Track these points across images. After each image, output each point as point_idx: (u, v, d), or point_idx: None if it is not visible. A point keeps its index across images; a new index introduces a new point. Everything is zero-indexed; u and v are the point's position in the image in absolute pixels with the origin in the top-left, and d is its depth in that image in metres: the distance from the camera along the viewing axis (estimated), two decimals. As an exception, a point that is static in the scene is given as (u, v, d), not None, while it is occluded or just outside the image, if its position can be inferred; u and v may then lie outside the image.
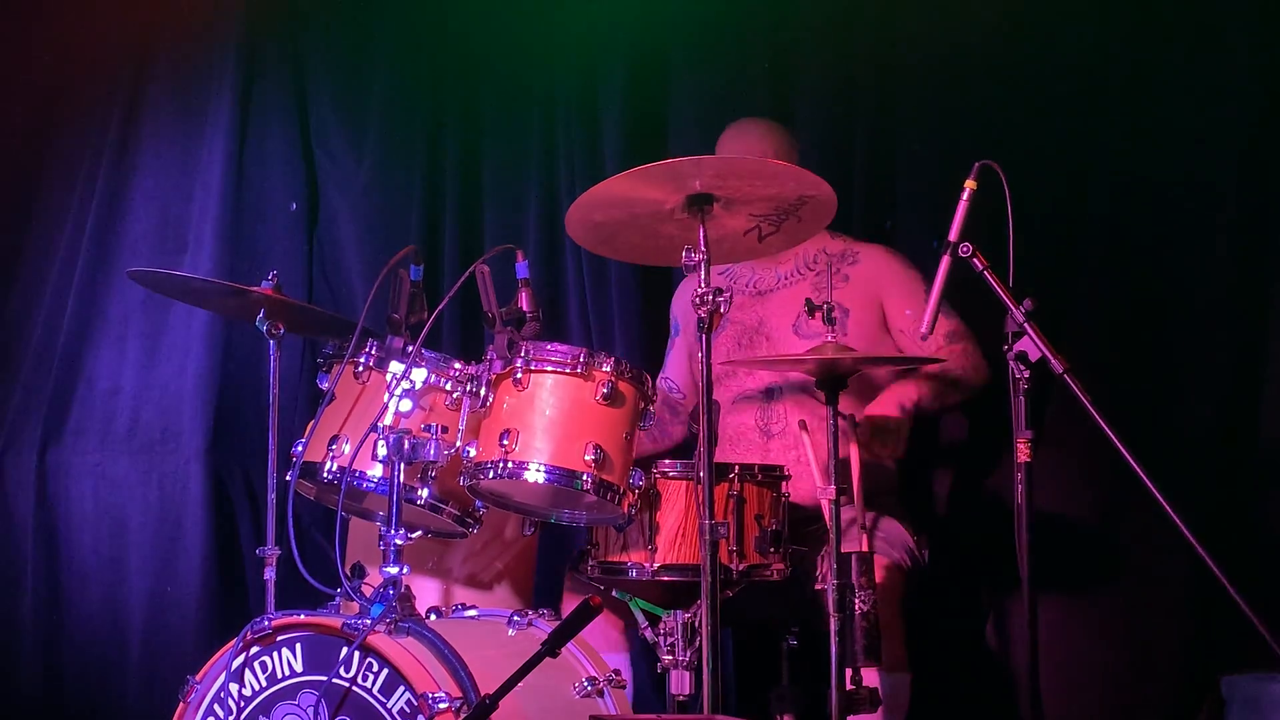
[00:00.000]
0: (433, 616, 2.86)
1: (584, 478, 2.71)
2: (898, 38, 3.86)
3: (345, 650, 2.59)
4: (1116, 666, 3.52)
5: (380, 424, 2.76)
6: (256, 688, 2.70)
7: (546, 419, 2.75)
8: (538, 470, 2.72)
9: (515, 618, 2.88)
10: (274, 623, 2.69)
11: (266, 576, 3.00)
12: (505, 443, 2.72)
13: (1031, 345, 2.67)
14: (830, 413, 2.87)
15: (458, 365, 2.85)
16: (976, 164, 2.78)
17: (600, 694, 2.82)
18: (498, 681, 2.49)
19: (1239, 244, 3.53)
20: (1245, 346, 3.51)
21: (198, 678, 2.74)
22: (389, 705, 2.56)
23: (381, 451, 2.74)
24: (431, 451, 2.75)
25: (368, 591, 2.72)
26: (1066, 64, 3.68)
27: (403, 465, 2.73)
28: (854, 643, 2.80)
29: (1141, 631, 3.51)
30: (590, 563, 2.92)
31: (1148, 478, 2.57)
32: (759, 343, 3.46)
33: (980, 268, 2.74)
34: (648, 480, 2.81)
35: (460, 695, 2.54)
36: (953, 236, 2.76)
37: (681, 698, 2.83)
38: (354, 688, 2.59)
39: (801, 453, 3.19)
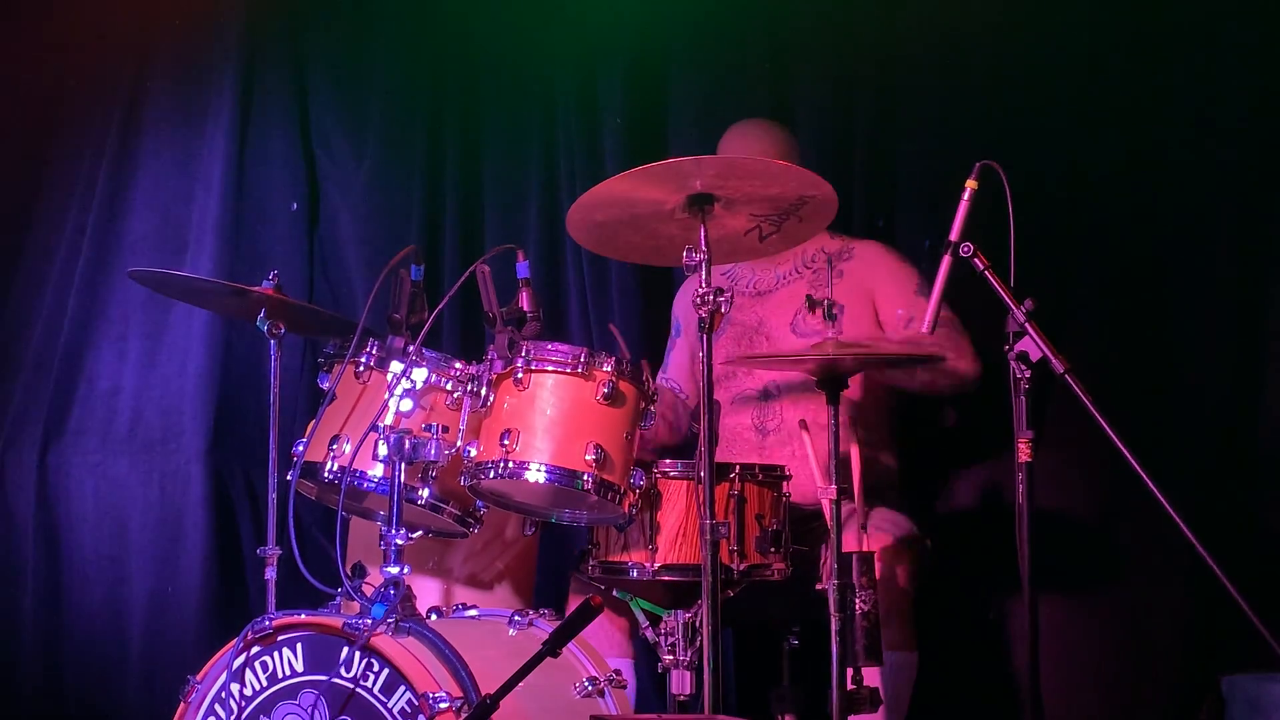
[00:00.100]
0: (433, 616, 2.86)
1: (585, 477, 2.71)
2: (898, 37, 3.86)
3: (346, 650, 2.59)
4: (1117, 666, 3.52)
5: (381, 424, 2.76)
6: (257, 687, 2.70)
7: (547, 419, 2.75)
8: (538, 470, 2.72)
9: (516, 618, 2.88)
10: (275, 622, 2.69)
11: (267, 576, 3.00)
12: (506, 442, 2.72)
13: (1032, 345, 2.67)
14: (830, 412, 2.87)
15: (458, 365, 2.85)
16: (977, 164, 2.79)
17: (601, 694, 2.82)
18: (498, 681, 2.49)
19: (1239, 244, 3.54)
20: (1245, 347, 3.51)
21: (198, 677, 2.74)
22: (390, 705, 2.57)
23: (382, 451, 2.74)
24: (432, 451, 2.75)
25: (368, 591, 2.72)
26: (1067, 63, 3.68)
27: (403, 465, 2.73)
28: (855, 642, 2.80)
29: (1142, 631, 3.51)
30: (591, 563, 2.93)
31: (1148, 477, 2.57)
32: (759, 343, 3.47)
33: (981, 267, 2.74)
34: (648, 480, 2.82)
35: (461, 695, 2.54)
36: (954, 236, 2.77)
37: (682, 698, 2.83)
38: (355, 688, 2.59)
39: (798, 450, 3.20)
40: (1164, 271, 3.58)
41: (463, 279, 2.88)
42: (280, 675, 2.68)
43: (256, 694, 2.70)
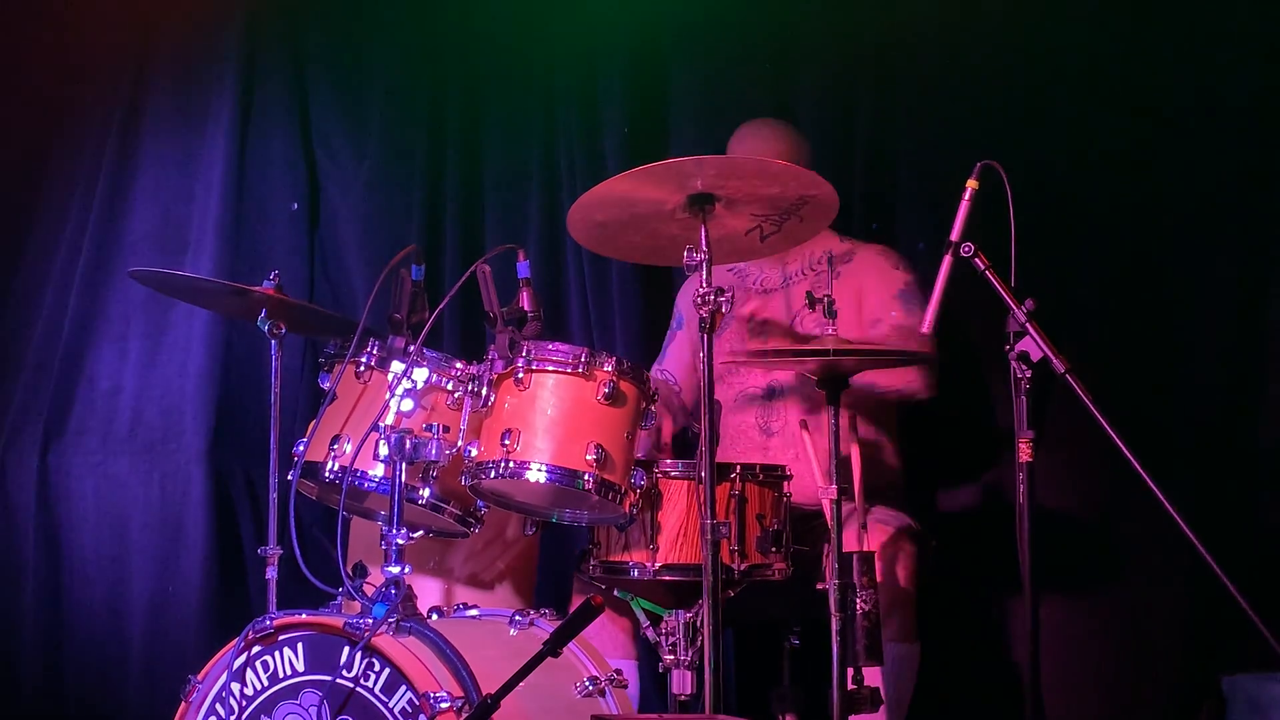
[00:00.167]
0: (434, 616, 2.86)
1: (585, 477, 2.72)
2: (898, 36, 3.86)
3: (348, 650, 2.59)
4: (1117, 665, 3.52)
5: (382, 423, 2.76)
6: (258, 687, 2.70)
7: (548, 418, 2.75)
8: (539, 470, 2.72)
9: (517, 617, 2.88)
10: (276, 622, 2.69)
11: (268, 576, 3.00)
12: (507, 442, 2.72)
13: (1033, 345, 2.67)
14: (831, 412, 2.87)
15: (459, 365, 2.86)
16: (978, 163, 2.79)
17: (602, 693, 2.82)
18: (499, 681, 2.49)
19: (1240, 243, 3.54)
20: (1246, 346, 3.51)
21: (199, 677, 2.74)
22: (391, 705, 2.57)
23: (383, 451, 2.74)
24: (433, 451, 2.75)
25: (369, 591, 2.72)
26: (1067, 63, 3.68)
27: (404, 465, 2.73)
28: (855, 642, 2.80)
29: (1143, 631, 3.51)
30: (592, 562, 2.93)
31: (1149, 477, 2.57)
32: (762, 341, 3.47)
33: (982, 267, 2.74)
34: (649, 480, 2.82)
35: (462, 695, 2.54)
36: (954, 236, 2.77)
37: (683, 697, 2.83)
38: (356, 687, 2.59)
39: (802, 452, 3.20)
40: (1164, 271, 3.58)
41: (464, 279, 2.88)
42: (281, 675, 2.68)
43: (257, 693, 2.70)
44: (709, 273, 2.73)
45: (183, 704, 2.75)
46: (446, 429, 2.78)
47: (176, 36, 4.40)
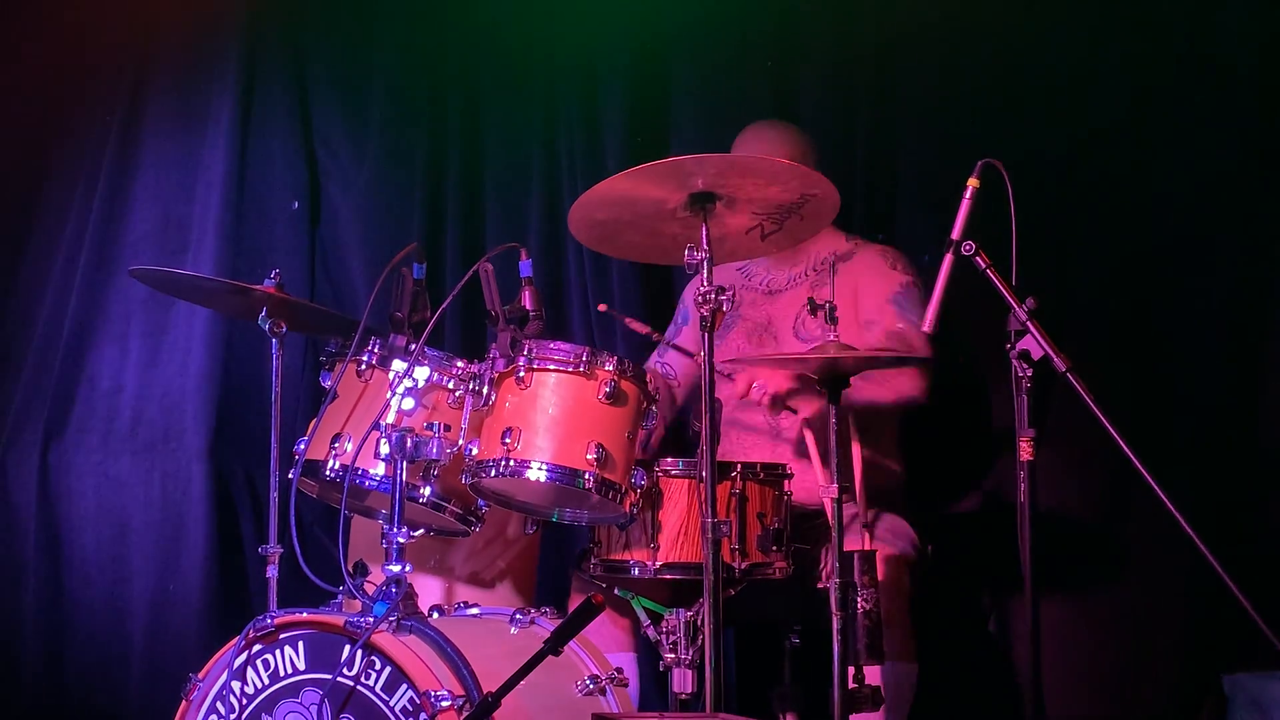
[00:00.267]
0: (435, 615, 2.86)
1: (586, 476, 2.72)
2: (900, 35, 3.86)
3: (348, 649, 2.59)
4: (1119, 665, 3.52)
5: (383, 422, 2.76)
6: (259, 685, 2.70)
7: (549, 418, 2.75)
8: (540, 469, 2.72)
9: (517, 616, 2.88)
10: (276, 621, 2.69)
11: (269, 574, 3.00)
12: (508, 441, 2.72)
13: (1034, 344, 2.67)
14: (832, 411, 2.87)
15: (460, 363, 2.86)
16: (979, 162, 2.79)
17: (603, 692, 2.82)
18: (500, 680, 2.49)
19: (1240, 243, 3.54)
20: (1247, 346, 3.51)
21: (200, 676, 2.75)
22: (391, 703, 2.57)
23: (384, 449, 2.74)
24: (434, 450, 2.75)
25: (370, 590, 2.72)
26: (1068, 62, 3.68)
27: (405, 463, 2.73)
28: (856, 641, 2.80)
29: (1144, 630, 3.51)
30: (593, 561, 2.93)
31: (1150, 475, 2.57)
32: (766, 341, 3.47)
33: (983, 266, 2.74)
34: (650, 479, 2.82)
35: (463, 693, 2.54)
36: (955, 234, 2.76)
37: (684, 696, 2.83)
38: (357, 686, 2.59)
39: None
40: (1166, 270, 3.58)
41: (465, 278, 2.88)
42: (282, 673, 2.68)
43: (258, 692, 2.70)
44: (710, 271, 2.73)
45: (184, 702, 2.75)
46: (448, 427, 2.78)
47: (177, 35, 4.39)
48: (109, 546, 4.19)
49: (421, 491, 2.81)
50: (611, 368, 2.77)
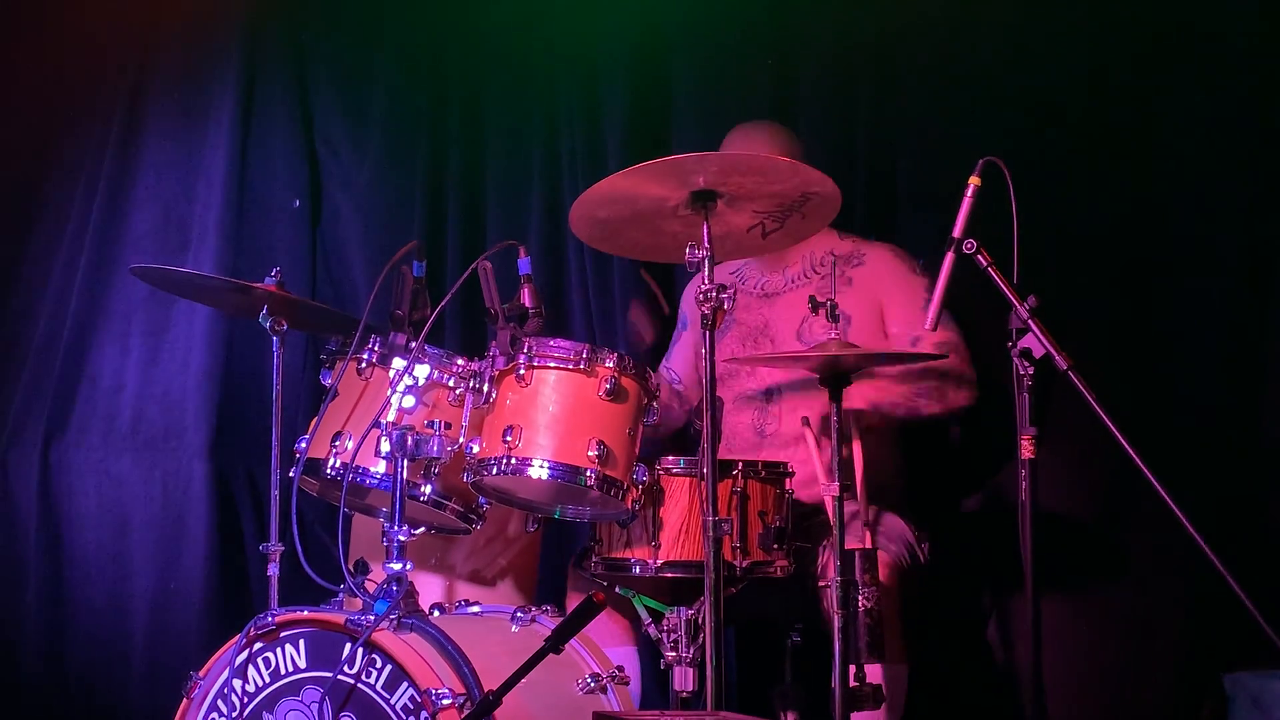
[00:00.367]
0: (436, 613, 2.86)
1: (587, 474, 2.72)
2: (900, 33, 3.85)
3: (349, 647, 2.59)
4: (1119, 663, 3.51)
5: (383, 420, 2.76)
6: (260, 684, 2.70)
7: (550, 415, 2.75)
8: (541, 466, 2.72)
9: (519, 614, 2.88)
10: (277, 619, 2.69)
11: (270, 573, 3.01)
12: (509, 439, 2.72)
13: (1035, 342, 2.67)
14: (833, 410, 2.87)
15: (461, 361, 2.86)
16: (981, 160, 2.78)
17: (604, 690, 2.83)
18: (501, 678, 2.49)
19: (1242, 241, 3.53)
20: (1249, 344, 3.50)
21: (201, 674, 2.75)
22: (392, 701, 2.57)
23: (385, 448, 2.74)
24: (435, 448, 2.75)
25: (371, 588, 2.72)
26: (1070, 59, 3.67)
27: (406, 461, 2.73)
28: (857, 639, 2.80)
29: (1144, 628, 3.50)
30: (594, 559, 2.93)
31: (1151, 473, 2.57)
32: (763, 344, 3.47)
33: (984, 264, 2.74)
34: (651, 476, 2.82)
35: (464, 691, 2.54)
36: (957, 233, 2.76)
37: (685, 694, 2.83)
38: (358, 684, 2.59)
39: (795, 455, 3.20)
40: (1168, 268, 3.58)
41: (465, 275, 2.88)
42: (283, 671, 2.68)
43: (259, 690, 2.70)
44: (711, 269, 2.73)
45: (185, 700, 2.75)
46: (448, 425, 2.78)
47: (178, 34, 4.40)
48: (110, 545, 4.19)
49: (422, 489, 2.81)
50: (612, 364, 2.77)
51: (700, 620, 2.75)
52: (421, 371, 2.80)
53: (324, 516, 3.62)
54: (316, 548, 3.00)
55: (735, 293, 2.76)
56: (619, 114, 4.08)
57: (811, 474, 3.04)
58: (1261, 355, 3.49)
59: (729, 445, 3.40)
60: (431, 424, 2.77)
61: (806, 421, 3.12)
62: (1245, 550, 3.07)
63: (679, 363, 3.68)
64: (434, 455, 2.75)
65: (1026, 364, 2.68)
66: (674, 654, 2.85)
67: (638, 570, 2.85)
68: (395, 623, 2.63)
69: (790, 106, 3.95)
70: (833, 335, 2.89)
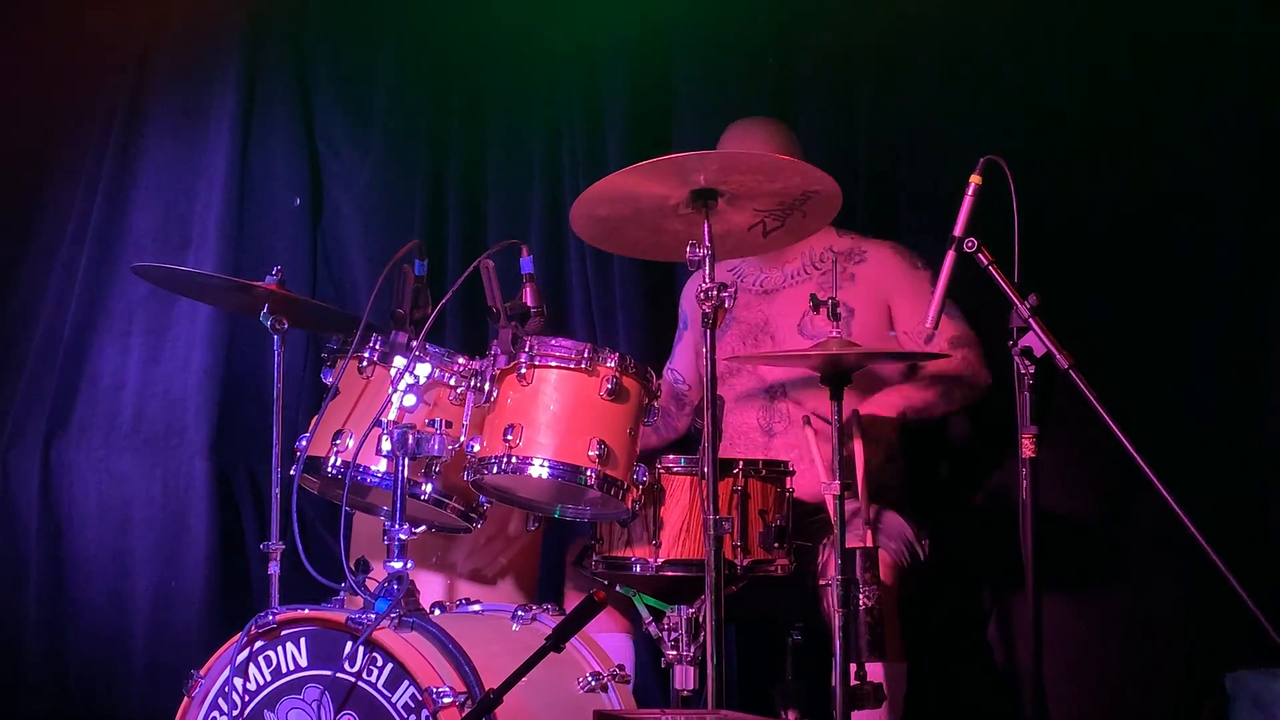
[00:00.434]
0: (437, 611, 2.86)
1: (588, 473, 2.71)
2: (901, 31, 3.86)
3: (350, 645, 2.59)
4: (1120, 662, 3.51)
5: (384, 419, 2.76)
6: (261, 682, 2.70)
7: (551, 414, 2.75)
8: (542, 465, 2.72)
9: (519, 613, 2.88)
10: (278, 617, 2.69)
11: (270, 571, 3.01)
12: (509, 438, 2.72)
13: (1036, 341, 2.67)
14: (835, 408, 2.87)
15: (462, 360, 2.85)
16: (982, 159, 2.78)
17: (604, 689, 2.83)
18: (502, 676, 2.49)
19: (1245, 240, 3.53)
20: (1250, 343, 3.51)
21: (202, 672, 2.75)
22: (393, 700, 2.57)
23: (386, 446, 2.74)
24: (435, 446, 2.75)
25: (372, 586, 2.72)
26: (1071, 58, 3.67)
27: (407, 460, 2.73)
28: (858, 638, 2.80)
29: (1146, 627, 3.50)
30: (594, 558, 2.93)
31: (1152, 472, 2.57)
32: (764, 342, 3.46)
33: (985, 263, 2.74)
34: (652, 476, 2.82)
35: (464, 690, 2.54)
36: (958, 231, 2.76)
37: (685, 693, 2.83)
38: (358, 682, 2.59)
39: (804, 450, 3.20)
40: (1169, 266, 3.58)
41: (466, 274, 2.88)
42: (284, 670, 2.68)
43: (260, 688, 2.70)
44: (712, 268, 2.72)
45: (185, 699, 2.75)
46: (449, 424, 2.78)
47: (179, 33, 4.39)
48: (111, 543, 4.19)
49: (423, 488, 2.81)
50: (613, 364, 2.77)
51: (701, 619, 2.75)
52: (423, 370, 2.80)
53: (325, 515, 3.61)
54: (317, 546, 3.00)
55: (736, 291, 2.76)
56: (620, 112, 4.08)
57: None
58: (1263, 354, 3.49)
59: (735, 444, 3.40)
60: (432, 422, 2.76)
61: (808, 420, 3.12)
62: (1247, 549, 3.07)
63: (682, 363, 3.69)
64: (435, 454, 2.75)
65: (1027, 363, 2.67)
66: (675, 653, 2.85)
67: (638, 569, 2.85)
68: (396, 621, 2.63)
69: (791, 105, 3.95)
70: (834, 333, 2.88)
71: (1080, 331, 3.41)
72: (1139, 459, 2.58)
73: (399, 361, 2.80)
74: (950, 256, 2.76)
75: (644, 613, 2.93)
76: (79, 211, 4.36)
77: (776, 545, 2.88)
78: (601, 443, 2.72)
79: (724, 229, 2.87)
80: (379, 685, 2.58)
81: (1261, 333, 3.50)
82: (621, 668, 2.89)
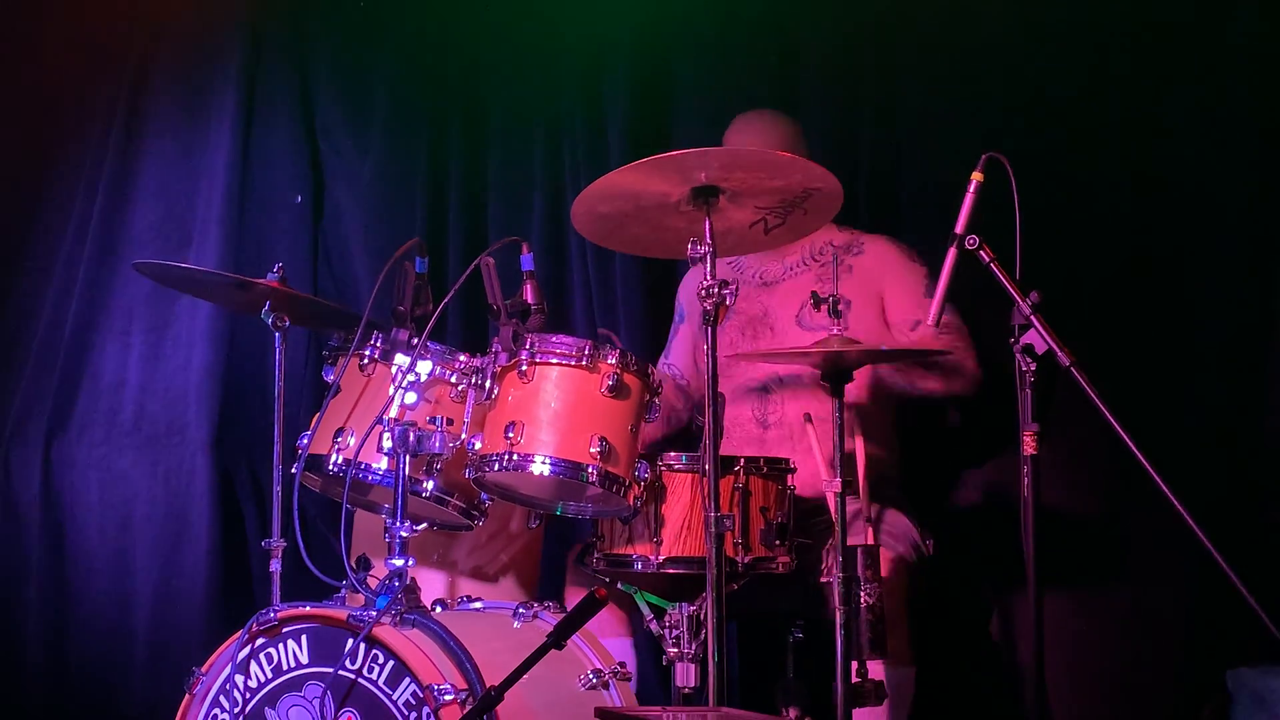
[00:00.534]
0: (438, 609, 2.86)
1: (589, 470, 2.71)
2: (903, 29, 3.85)
3: (351, 642, 2.59)
4: (1121, 660, 3.51)
5: (385, 416, 2.76)
6: (262, 679, 2.70)
7: (552, 411, 2.75)
8: (543, 463, 2.72)
9: (520, 610, 2.88)
10: (280, 614, 2.69)
11: (272, 568, 3.01)
12: (511, 435, 2.72)
13: (1038, 338, 2.67)
14: (835, 405, 2.87)
15: (463, 357, 2.85)
16: (983, 156, 2.78)
17: (605, 686, 2.83)
18: (503, 673, 2.49)
19: (1247, 237, 3.53)
20: (1252, 339, 3.50)
21: (203, 669, 2.75)
22: (394, 697, 2.57)
23: (387, 444, 2.74)
24: (437, 444, 2.75)
25: (373, 584, 2.72)
26: (1073, 55, 3.67)
27: (408, 457, 2.73)
28: (859, 635, 2.80)
29: (1147, 625, 3.50)
30: (596, 555, 2.93)
31: (1154, 470, 2.57)
32: (763, 333, 3.47)
33: (987, 260, 2.74)
34: (653, 473, 2.82)
35: (466, 687, 2.54)
36: (959, 229, 2.76)
37: (686, 690, 2.83)
38: (360, 679, 2.59)
39: (800, 445, 3.20)
40: (1171, 264, 3.57)
41: (468, 271, 2.88)
42: (285, 667, 2.68)
43: (261, 685, 2.70)
44: (713, 265, 2.72)
45: (186, 696, 2.75)
46: (450, 422, 2.78)
47: (180, 29, 4.39)
48: (112, 541, 4.19)
49: (424, 486, 2.81)
50: (614, 361, 2.77)
51: (702, 616, 2.75)
52: (424, 368, 2.80)
53: (326, 512, 3.61)
54: (319, 543, 3.01)
55: (737, 287, 2.75)
56: (621, 109, 4.08)
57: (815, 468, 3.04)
58: (1263, 352, 3.49)
59: (731, 437, 3.40)
60: (434, 420, 2.76)
61: (809, 418, 3.12)
62: (1248, 547, 3.07)
63: (678, 356, 3.68)
64: (436, 451, 2.75)
65: (1029, 360, 2.67)
66: (676, 650, 2.85)
67: (640, 566, 2.85)
68: (397, 618, 2.63)
69: (792, 102, 3.94)
70: (835, 330, 2.88)
71: (1081, 329, 3.41)
72: (1140, 456, 2.58)
73: (400, 359, 2.80)
74: (952, 253, 2.76)
75: (645, 610, 2.93)
76: (80, 210, 4.36)
77: (778, 542, 2.88)
78: (603, 439, 2.72)
79: (725, 226, 2.86)
80: (380, 683, 2.59)
81: (1262, 331, 3.49)
82: (623, 665, 2.89)
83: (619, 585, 2.97)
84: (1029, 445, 2.68)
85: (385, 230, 4.25)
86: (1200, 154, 3.54)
